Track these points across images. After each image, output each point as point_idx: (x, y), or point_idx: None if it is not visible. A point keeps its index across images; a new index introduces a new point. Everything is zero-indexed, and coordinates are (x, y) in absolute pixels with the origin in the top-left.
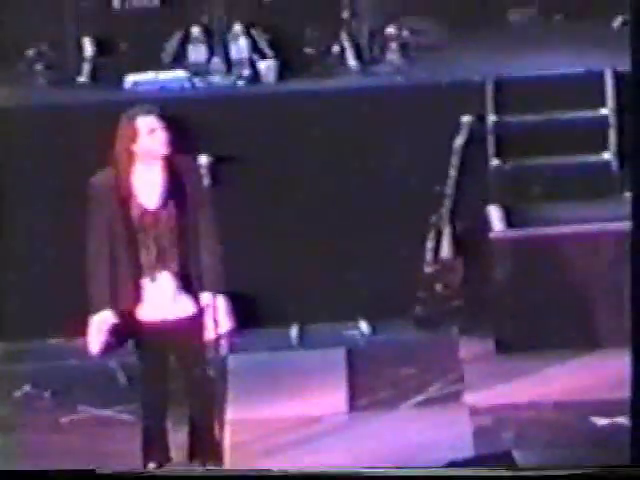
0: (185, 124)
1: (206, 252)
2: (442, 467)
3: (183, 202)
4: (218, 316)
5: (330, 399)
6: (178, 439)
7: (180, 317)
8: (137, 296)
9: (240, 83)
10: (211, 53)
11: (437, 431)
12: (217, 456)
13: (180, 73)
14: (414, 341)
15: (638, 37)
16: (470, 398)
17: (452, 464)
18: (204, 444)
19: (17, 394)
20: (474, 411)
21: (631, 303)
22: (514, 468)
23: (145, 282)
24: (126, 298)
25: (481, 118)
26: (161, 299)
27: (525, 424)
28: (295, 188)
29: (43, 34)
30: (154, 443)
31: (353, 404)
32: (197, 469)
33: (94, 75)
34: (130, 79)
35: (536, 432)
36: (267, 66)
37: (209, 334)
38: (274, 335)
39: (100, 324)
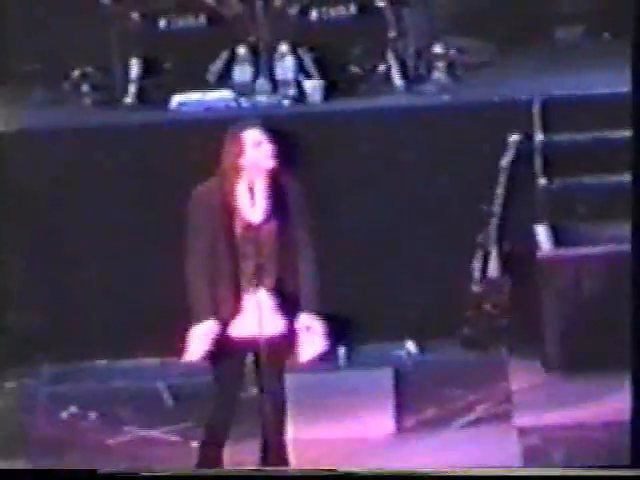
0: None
1: (305, 272)
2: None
3: (285, 218)
4: (314, 337)
5: (377, 419)
6: (247, 450)
7: (269, 335)
8: (235, 308)
9: (286, 103)
10: (257, 73)
11: (485, 452)
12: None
13: (226, 93)
14: (462, 361)
15: None
16: (519, 418)
17: None
18: (275, 459)
19: (63, 415)
20: (523, 432)
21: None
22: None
23: (242, 296)
24: (224, 310)
25: (528, 137)
26: (254, 315)
27: (574, 444)
28: (341, 208)
29: (89, 55)
30: (212, 461)
31: (400, 425)
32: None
33: (140, 96)
34: (176, 99)
35: (585, 452)
36: (313, 86)
37: (305, 355)
38: (322, 356)
39: (204, 333)
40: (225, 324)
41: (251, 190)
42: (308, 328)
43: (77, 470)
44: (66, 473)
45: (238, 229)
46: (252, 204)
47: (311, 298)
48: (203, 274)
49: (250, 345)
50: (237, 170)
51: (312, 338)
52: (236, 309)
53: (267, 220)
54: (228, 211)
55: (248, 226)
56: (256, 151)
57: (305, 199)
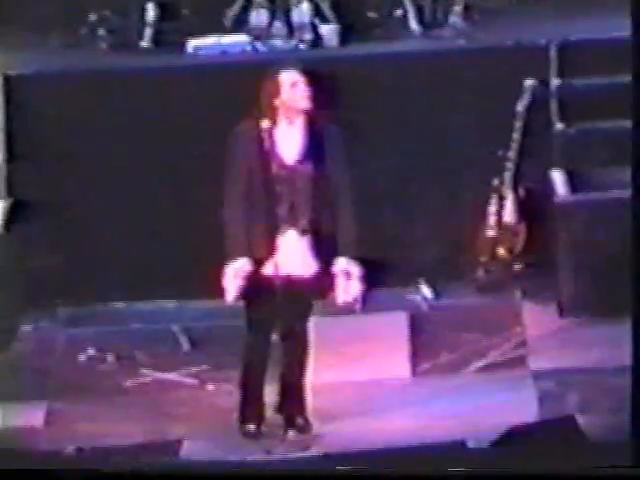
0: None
1: (343, 216)
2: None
3: (321, 160)
4: (351, 281)
5: (392, 363)
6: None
7: (301, 275)
8: (269, 248)
9: (302, 47)
10: (273, 17)
11: (500, 395)
12: (304, 410)
13: (242, 37)
14: (477, 305)
15: None
16: (533, 363)
17: (515, 429)
18: (294, 399)
19: (81, 357)
20: (537, 376)
21: None
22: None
23: (276, 236)
24: (258, 249)
25: (545, 82)
26: (287, 255)
27: (589, 388)
28: (355, 153)
29: None
30: (252, 403)
31: (415, 368)
32: (198, 468)
33: (156, 40)
34: (192, 43)
35: (600, 396)
36: (329, 30)
37: (342, 298)
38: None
39: (238, 271)
40: (259, 264)
41: (287, 131)
42: (346, 272)
43: (77, 470)
44: (67, 473)
45: (274, 169)
46: (288, 144)
47: (349, 242)
48: (239, 214)
49: (282, 285)
50: (273, 110)
51: (349, 282)
52: (270, 249)
53: (302, 161)
54: (264, 151)
55: (283, 166)
56: (292, 92)
57: (344, 143)
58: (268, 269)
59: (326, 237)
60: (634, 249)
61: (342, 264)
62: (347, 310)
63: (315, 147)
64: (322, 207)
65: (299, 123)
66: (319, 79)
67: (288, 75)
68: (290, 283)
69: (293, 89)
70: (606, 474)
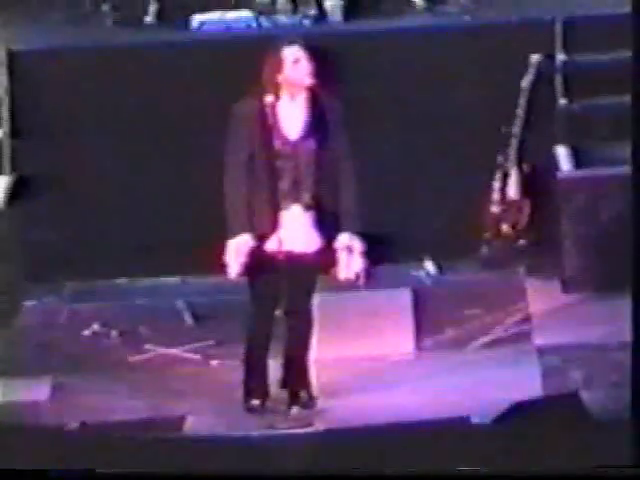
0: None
1: (346, 191)
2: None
3: (324, 136)
4: (353, 256)
5: (396, 339)
6: (270, 369)
7: (305, 251)
8: (272, 223)
9: (306, 22)
10: None
11: (504, 371)
12: (308, 385)
13: (246, 13)
14: (480, 282)
15: None
16: (537, 338)
17: (519, 405)
18: (297, 374)
19: (86, 333)
20: (541, 351)
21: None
22: (582, 409)
23: (279, 211)
24: (261, 224)
25: (550, 57)
26: (290, 231)
27: (592, 364)
28: (359, 128)
29: None
30: (256, 378)
31: (419, 344)
32: (197, 469)
33: (160, 15)
34: (196, 19)
35: (604, 372)
36: (333, 5)
37: (344, 273)
38: (361, 274)
39: (239, 247)
40: (262, 240)
41: (290, 106)
42: (349, 247)
43: (77, 470)
44: (66, 473)
45: (276, 145)
46: (290, 120)
47: (352, 218)
48: (241, 189)
49: (286, 261)
50: (276, 86)
51: (352, 257)
52: (273, 225)
53: (305, 137)
54: (266, 127)
55: (286, 142)
56: (295, 68)
57: (345, 118)
58: (271, 245)
59: (329, 212)
60: (635, 225)
61: (344, 239)
62: (350, 286)
63: (318, 123)
64: (325, 183)
65: (302, 99)
66: (322, 55)
67: (291, 51)
68: (293, 259)
69: (295, 65)
70: (606, 474)
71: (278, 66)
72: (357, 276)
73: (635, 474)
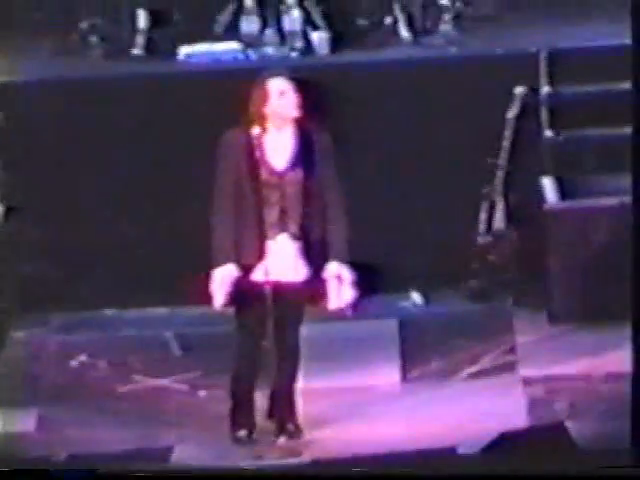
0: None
1: (335, 221)
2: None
3: (311, 167)
4: (343, 286)
5: (383, 370)
6: (257, 399)
7: (292, 280)
8: (258, 253)
9: (293, 55)
10: (264, 24)
11: (490, 402)
12: (295, 416)
13: (233, 45)
14: (467, 312)
15: None
16: (524, 369)
17: (505, 435)
18: (284, 405)
19: (73, 364)
20: (527, 382)
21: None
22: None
23: (266, 241)
24: (247, 254)
25: (535, 89)
26: (277, 261)
27: (578, 395)
28: (345, 159)
29: (97, 6)
30: (243, 409)
31: (406, 375)
32: (197, 469)
33: (148, 47)
34: (184, 51)
35: (589, 403)
36: (320, 38)
37: (334, 303)
38: (350, 304)
39: (224, 277)
40: (248, 270)
41: (277, 137)
42: (338, 277)
43: (76, 470)
44: (66, 473)
45: (263, 175)
46: (277, 151)
47: (341, 248)
48: (227, 219)
49: (272, 291)
50: (262, 117)
51: (341, 287)
52: (259, 255)
53: (292, 167)
54: (253, 158)
55: (273, 173)
56: (281, 100)
57: (333, 148)
58: (258, 274)
59: (317, 242)
60: (634, 255)
61: (333, 269)
62: (338, 316)
63: (305, 153)
64: (312, 213)
65: (289, 130)
66: (310, 87)
67: (277, 83)
68: (280, 289)
69: (282, 97)
70: (606, 474)
71: (264, 98)
72: (347, 306)
73: (635, 474)
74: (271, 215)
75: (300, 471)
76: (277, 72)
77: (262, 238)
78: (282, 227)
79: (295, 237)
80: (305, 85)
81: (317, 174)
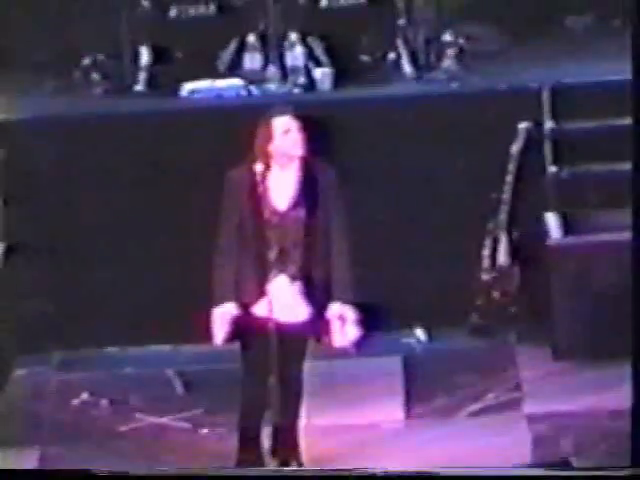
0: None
1: (338, 261)
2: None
3: (314, 206)
4: (347, 325)
5: (387, 406)
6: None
7: (292, 321)
8: (259, 292)
9: (296, 91)
10: (267, 61)
11: (495, 439)
12: (298, 453)
13: (236, 81)
14: (471, 349)
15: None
16: (528, 406)
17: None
18: (287, 442)
19: (75, 402)
20: (532, 419)
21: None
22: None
23: (266, 281)
24: (247, 294)
25: (538, 125)
26: (277, 301)
27: (583, 432)
28: (347, 195)
29: (99, 43)
30: (250, 446)
31: (410, 412)
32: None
33: (150, 83)
34: (186, 87)
35: (594, 440)
36: (323, 74)
37: (338, 342)
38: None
39: (223, 316)
40: (248, 308)
41: (280, 176)
42: (341, 317)
43: (75, 470)
44: (66, 473)
45: (265, 214)
46: (280, 190)
47: (345, 288)
48: (228, 258)
49: (275, 329)
50: (267, 156)
51: (345, 326)
52: (258, 294)
53: (294, 207)
54: (256, 196)
55: (275, 212)
56: (285, 138)
57: (338, 188)
58: (261, 310)
59: (319, 282)
60: (634, 292)
61: (336, 309)
62: (342, 354)
63: (309, 192)
64: (314, 252)
65: (293, 169)
66: (313, 124)
67: (281, 121)
68: (282, 327)
69: (286, 135)
70: (606, 474)
71: (269, 136)
72: (351, 344)
73: (635, 474)
74: (272, 254)
75: None
76: (282, 110)
77: (262, 277)
78: (281, 268)
79: (294, 278)
80: (309, 123)
81: (320, 213)
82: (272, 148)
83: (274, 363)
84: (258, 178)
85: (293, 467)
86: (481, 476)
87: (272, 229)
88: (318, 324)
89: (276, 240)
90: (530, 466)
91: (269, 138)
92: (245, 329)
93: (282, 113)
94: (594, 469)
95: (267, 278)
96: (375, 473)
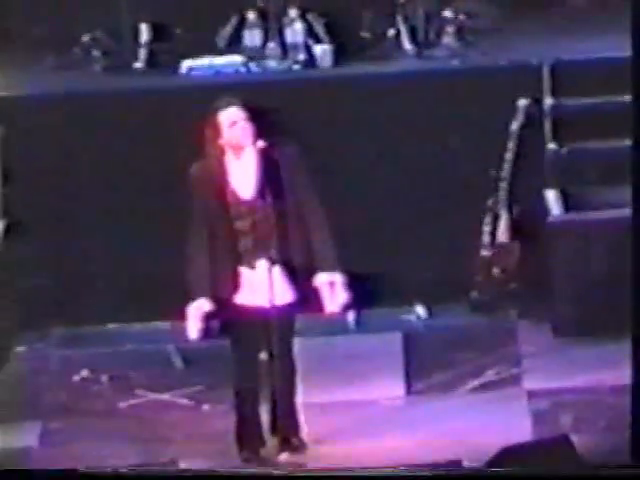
0: (259, 110)
1: (317, 234)
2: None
3: (280, 190)
4: (336, 290)
5: (387, 383)
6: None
7: (277, 304)
8: (235, 284)
9: (296, 68)
10: (266, 38)
11: (494, 415)
12: (298, 430)
13: (236, 58)
14: (471, 325)
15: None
16: (528, 382)
17: (509, 449)
18: (286, 421)
19: (75, 379)
20: (532, 395)
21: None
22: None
23: (244, 270)
24: (224, 286)
25: (538, 101)
26: (259, 286)
27: (583, 408)
28: (350, 172)
29: (99, 20)
30: (249, 429)
31: (410, 388)
32: (195, 469)
33: (150, 61)
34: (186, 64)
35: (594, 416)
36: (323, 50)
37: (330, 307)
38: (331, 319)
39: (196, 311)
40: (228, 299)
41: (238, 167)
42: (330, 282)
43: (75, 470)
44: (65, 473)
45: (232, 206)
46: (241, 180)
47: (328, 258)
48: (202, 251)
49: (260, 315)
50: (219, 149)
51: (335, 291)
52: (236, 284)
53: (260, 194)
54: (221, 189)
55: (241, 202)
56: (233, 130)
57: (306, 168)
58: (243, 301)
59: (299, 263)
60: (634, 268)
61: (323, 277)
62: (342, 330)
63: (272, 177)
64: (291, 234)
65: (249, 157)
66: (261, 109)
67: (227, 114)
68: (268, 312)
69: (233, 127)
70: (606, 474)
71: (216, 131)
72: (343, 308)
73: (635, 474)
74: (247, 244)
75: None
76: (228, 103)
77: (239, 267)
78: (260, 254)
79: (274, 261)
80: (257, 109)
81: (289, 194)
82: (222, 141)
83: (263, 341)
84: (217, 171)
85: (294, 444)
86: (481, 476)
87: (243, 219)
88: (304, 301)
89: (249, 229)
90: (529, 443)
91: (217, 133)
92: (229, 318)
93: (228, 105)
94: (594, 468)
95: (245, 267)
96: (375, 473)
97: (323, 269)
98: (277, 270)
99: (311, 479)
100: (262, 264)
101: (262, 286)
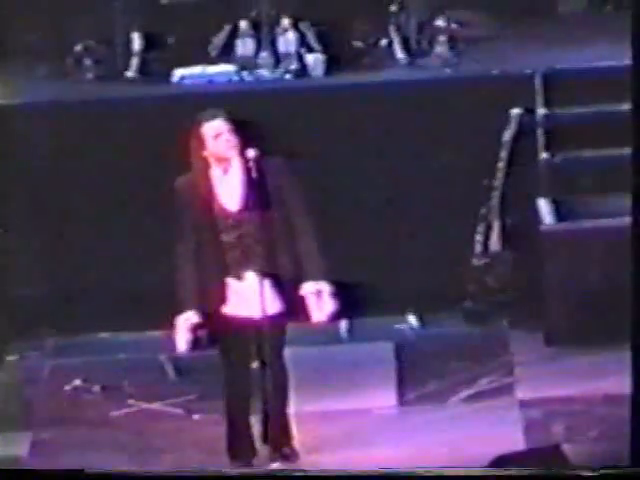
0: (245, 121)
1: (304, 244)
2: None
3: (266, 202)
4: (322, 299)
5: (379, 392)
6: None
7: (266, 314)
8: (223, 296)
9: (288, 77)
10: (259, 47)
11: (487, 425)
12: (290, 439)
13: (228, 67)
14: (463, 335)
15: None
16: (520, 391)
17: (501, 458)
18: (278, 430)
19: (67, 388)
20: (524, 404)
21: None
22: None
23: (232, 281)
24: (212, 297)
25: (530, 111)
26: (248, 297)
27: (575, 418)
28: (342, 181)
29: (91, 29)
30: (240, 439)
31: (402, 398)
32: (195, 470)
33: (142, 69)
34: (178, 73)
35: (586, 426)
36: (315, 60)
37: (317, 316)
38: (324, 329)
39: (185, 323)
40: (216, 311)
41: (224, 179)
42: (317, 291)
43: (73, 469)
44: (66, 473)
45: (219, 219)
46: (227, 192)
47: (315, 269)
48: (189, 263)
49: (249, 325)
50: (204, 162)
51: (322, 300)
52: (224, 296)
53: (247, 206)
54: (207, 202)
55: (227, 215)
56: (217, 143)
57: (293, 178)
58: (232, 312)
59: (287, 273)
60: (634, 277)
61: (310, 286)
62: (334, 339)
63: (258, 188)
64: (279, 245)
65: (235, 169)
66: (247, 121)
67: (211, 126)
68: (257, 323)
69: (217, 140)
70: (606, 474)
71: (200, 143)
72: (330, 318)
73: (635, 474)
74: (234, 255)
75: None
76: (212, 115)
77: (227, 278)
78: (247, 265)
79: (262, 273)
80: (242, 120)
81: (276, 205)
82: (207, 153)
83: (253, 351)
84: (203, 184)
85: (286, 453)
86: (482, 476)
87: (230, 231)
88: (293, 311)
89: (236, 241)
90: (522, 452)
91: (201, 145)
92: (217, 329)
93: (212, 118)
94: (594, 469)
95: (233, 279)
96: (375, 473)
97: (309, 278)
98: (265, 281)
99: (309, 479)
100: (250, 275)
101: (250, 297)
